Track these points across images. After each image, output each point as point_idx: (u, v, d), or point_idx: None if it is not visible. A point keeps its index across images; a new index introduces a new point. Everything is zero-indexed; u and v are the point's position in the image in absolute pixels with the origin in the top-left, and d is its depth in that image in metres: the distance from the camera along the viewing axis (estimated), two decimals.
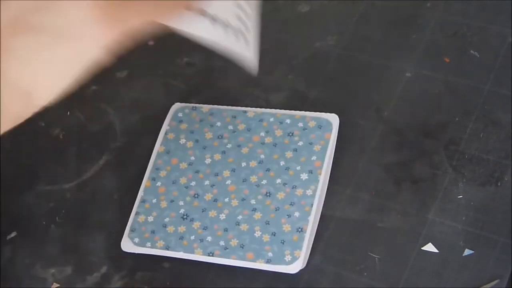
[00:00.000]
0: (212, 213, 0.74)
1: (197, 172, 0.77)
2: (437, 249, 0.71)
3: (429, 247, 0.71)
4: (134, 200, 0.77)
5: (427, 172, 0.75)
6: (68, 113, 0.85)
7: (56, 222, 0.79)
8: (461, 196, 0.73)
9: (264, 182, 0.75)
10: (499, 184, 0.74)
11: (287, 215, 0.72)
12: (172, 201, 0.76)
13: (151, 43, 0.89)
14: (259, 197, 0.74)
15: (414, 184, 0.75)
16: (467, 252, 0.70)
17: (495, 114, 0.78)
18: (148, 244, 0.74)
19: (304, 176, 0.74)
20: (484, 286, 0.68)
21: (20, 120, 0.54)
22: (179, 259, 0.74)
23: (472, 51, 0.83)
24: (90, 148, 0.83)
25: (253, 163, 0.76)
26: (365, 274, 0.70)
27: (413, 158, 0.76)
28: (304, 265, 0.71)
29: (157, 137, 0.80)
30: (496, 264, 0.69)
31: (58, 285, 0.75)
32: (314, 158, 0.75)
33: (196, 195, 0.75)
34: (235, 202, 0.74)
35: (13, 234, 0.78)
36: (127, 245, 0.74)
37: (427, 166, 0.76)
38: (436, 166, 0.75)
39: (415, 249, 0.71)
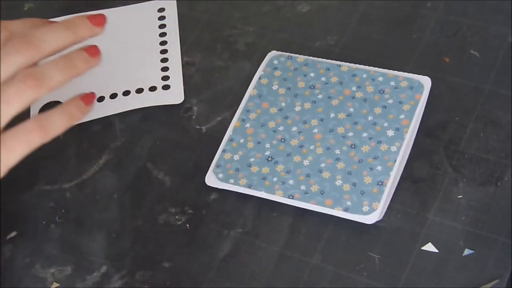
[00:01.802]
0: (297, 158, 0.76)
1: (286, 118, 0.79)
2: (437, 249, 0.71)
3: (429, 247, 0.71)
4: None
5: (427, 172, 0.75)
6: None
7: (56, 222, 0.79)
8: (461, 196, 0.73)
9: (350, 134, 0.77)
10: (499, 184, 0.74)
11: (370, 168, 0.74)
12: (259, 142, 0.78)
13: None
14: (344, 148, 0.76)
15: (414, 184, 0.75)
16: (467, 252, 0.70)
17: (495, 114, 0.78)
18: (232, 180, 0.76)
19: (390, 133, 0.76)
20: (484, 286, 0.68)
21: None
22: (179, 259, 0.74)
23: (472, 51, 0.83)
24: (90, 148, 0.83)
25: (341, 115, 0.78)
26: (365, 274, 0.70)
27: (413, 158, 0.76)
28: (381, 217, 0.72)
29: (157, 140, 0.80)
30: (496, 264, 0.69)
31: (58, 284, 0.75)
32: (402, 116, 0.77)
33: (282, 140, 0.78)
34: (320, 150, 0.76)
35: (13, 234, 0.78)
36: (212, 179, 0.77)
37: (427, 166, 0.76)
38: (436, 166, 0.75)
39: (415, 249, 0.71)
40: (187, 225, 0.76)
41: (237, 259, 0.73)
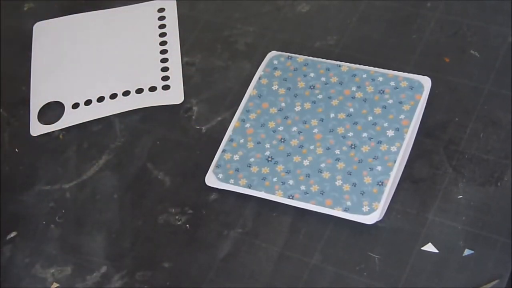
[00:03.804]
0: (297, 158, 0.77)
1: (286, 118, 0.80)
2: (437, 249, 0.71)
3: (429, 247, 0.71)
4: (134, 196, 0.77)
5: (427, 172, 0.75)
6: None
7: (56, 222, 0.79)
8: (461, 196, 0.73)
9: (350, 134, 0.77)
10: (499, 184, 0.74)
11: (370, 168, 0.74)
12: (259, 142, 0.79)
13: None
14: (344, 148, 0.76)
15: (414, 184, 0.75)
16: (467, 252, 0.70)
17: (495, 114, 0.78)
18: (232, 180, 0.77)
19: (390, 133, 0.76)
20: (484, 286, 0.68)
21: None
22: (179, 259, 0.74)
23: (472, 51, 0.83)
24: (90, 148, 0.83)
25: (341, 115, 0.79)
26: (365, 274, 0.70)
27: (413, 158, 0.76)
28: (381, 218, 0.72)
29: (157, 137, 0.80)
30: (496, 264, 0.69)
31: (58, 285, 0.75)
32: (402, 116, 0.77)
33: (282, 140, 0.78)
34: (319, 150, 0.77)
35: (13, 234, 0.78)
36: (211, 180, 0.77)
37: (427, 166, 0.76)
38: (436, 166, 0.75)
39: (415, 249, 0.71)
40: (187, 225, 0.76)
41: (237, 259, 0.73)
